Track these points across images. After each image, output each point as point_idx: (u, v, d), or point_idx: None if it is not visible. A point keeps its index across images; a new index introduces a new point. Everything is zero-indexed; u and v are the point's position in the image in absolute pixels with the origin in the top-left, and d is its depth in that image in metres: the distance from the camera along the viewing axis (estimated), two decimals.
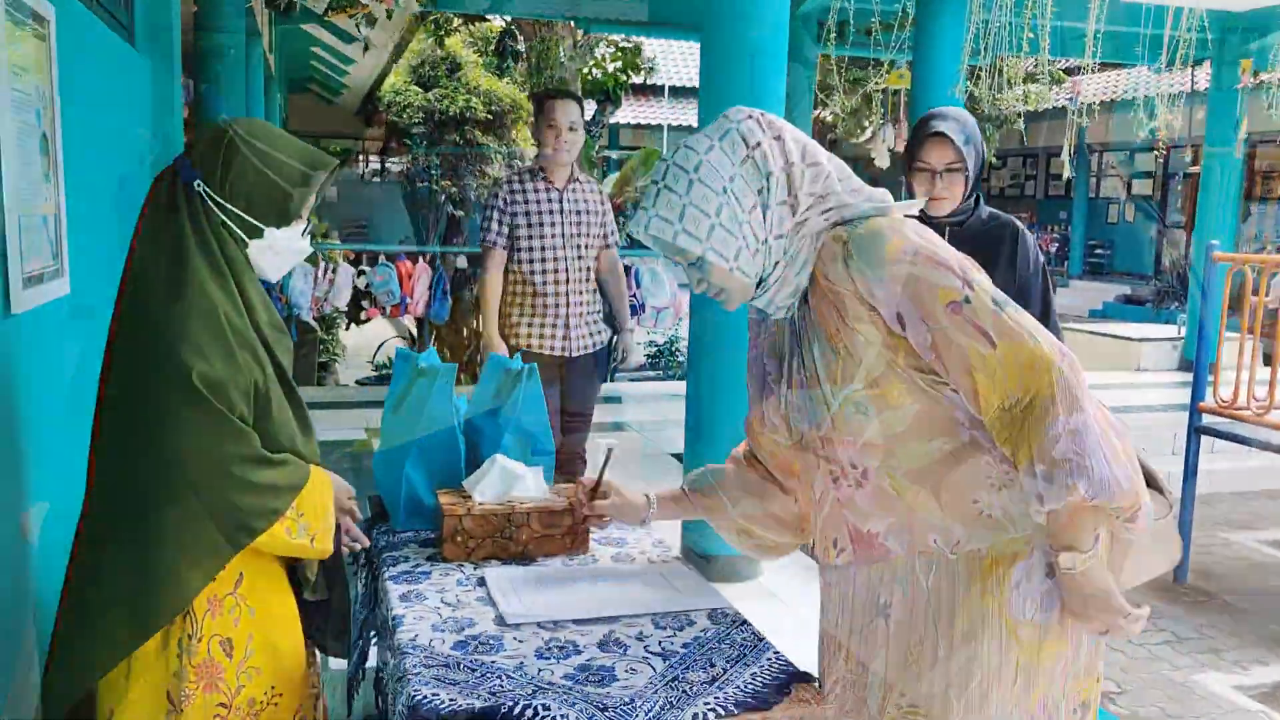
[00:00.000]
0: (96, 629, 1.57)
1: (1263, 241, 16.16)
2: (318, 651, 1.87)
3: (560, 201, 3.83)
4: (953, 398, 1.44)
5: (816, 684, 1.47)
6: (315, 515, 1.64)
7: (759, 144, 1.48)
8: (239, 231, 1.65)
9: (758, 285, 1.52)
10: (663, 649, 1.52)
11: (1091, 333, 10.81)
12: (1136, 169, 19.53)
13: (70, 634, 1.61)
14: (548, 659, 1.48)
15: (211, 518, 1.53)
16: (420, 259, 7.75)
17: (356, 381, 8.15)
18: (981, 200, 2.52)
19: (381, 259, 7.60)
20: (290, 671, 1.71)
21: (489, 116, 15.67)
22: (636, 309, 7.22)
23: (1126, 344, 9.92)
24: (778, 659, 1.50)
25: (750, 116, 1.51)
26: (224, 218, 1.63)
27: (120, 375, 1.60)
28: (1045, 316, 2.39)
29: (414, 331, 8.65)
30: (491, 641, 1.54)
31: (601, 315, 4.00)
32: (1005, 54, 6.29)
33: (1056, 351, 1.40)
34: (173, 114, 3.25)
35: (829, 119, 15.79)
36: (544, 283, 3.81)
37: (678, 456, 4.98)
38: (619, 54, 12.37)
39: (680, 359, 9.03)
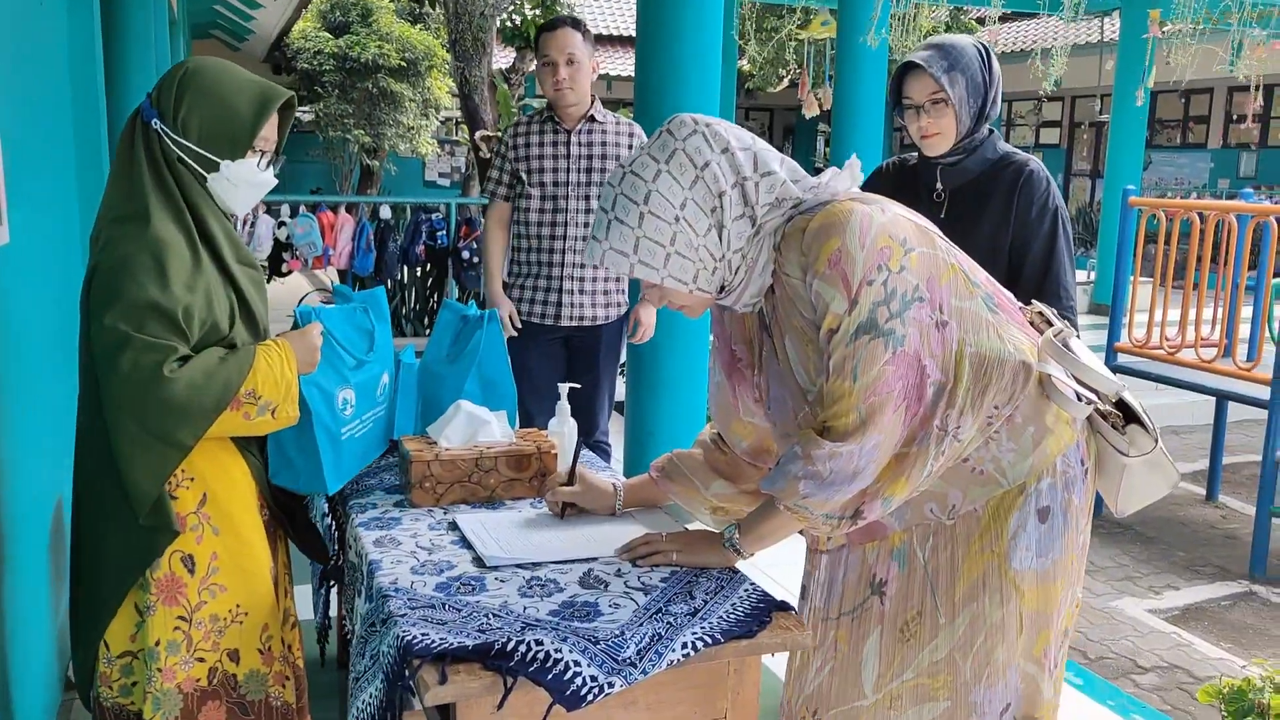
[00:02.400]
0: (101, 560, 1.71)
1: (1163, 188, 16.74)
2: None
3: (568, 145, 3.36)
4: (924, 367, 1.46)
5: (794, 612, 1.51)
6: (272, 390, 1.70)
7: (707, 163, 1.45)
8: (195, 166, 1.72)
9: (720, 292, 1.52)
10: (643, 584, 1.55)
11: None
12: (1044, 118, 19.99)
13: (79, 570, 1.75)
14: (531, 597, 1.50)
15: (149, 434, 1.60)
16: (343, 209, 7.59)
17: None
18: (994, 137, 2.27)
19: (302, 209, 7.42)
20: (257, 592, 1.79)
21: (403, 64, 15.32)
22: None
23: None
24: (754, 590, 1.54)
25: (695, 131, 1.47)
26: (179, 153, 1.71)
27: (84, 309, 1.67)
28: (1045, 271, 2.24)
29: (335, 285, 8.48)
30: (473, 583, 1.55)
31: (623, 282, 3.53)
32: (925, 3, 6.36)
33: (865, 408, 1.43)
34: (92, 58, 3.11)
35: (746, 68, 15.80)
36: (540, 239, 3.37)
37: None
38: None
39: None
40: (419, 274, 8.10)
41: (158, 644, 1.70)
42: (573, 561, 1.64)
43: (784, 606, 1.51)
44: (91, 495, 1.72)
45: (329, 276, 9.23)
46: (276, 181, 1.85)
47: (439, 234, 7.72)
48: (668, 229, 1.44)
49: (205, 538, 1.73)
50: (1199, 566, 4.54)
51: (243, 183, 1.76)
